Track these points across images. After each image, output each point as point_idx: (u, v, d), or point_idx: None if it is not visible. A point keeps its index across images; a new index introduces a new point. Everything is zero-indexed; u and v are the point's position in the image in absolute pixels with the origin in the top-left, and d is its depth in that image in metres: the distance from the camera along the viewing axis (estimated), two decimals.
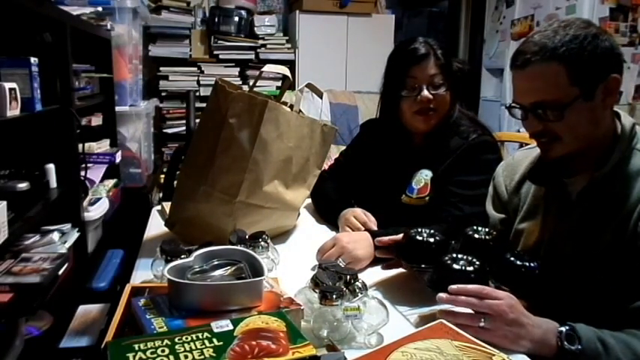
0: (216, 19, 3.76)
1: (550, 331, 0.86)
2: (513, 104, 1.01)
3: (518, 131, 3.20)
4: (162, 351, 0.68)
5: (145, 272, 1.08)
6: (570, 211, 1.02)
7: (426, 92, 1.38)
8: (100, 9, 2.19)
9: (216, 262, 0.94)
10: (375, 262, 1.22)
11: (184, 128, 3.39)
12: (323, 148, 1.38)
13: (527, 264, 0.96)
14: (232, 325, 0.75)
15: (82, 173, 1.81)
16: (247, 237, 1.13)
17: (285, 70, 1.37)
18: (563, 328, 0.86)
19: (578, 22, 0.95)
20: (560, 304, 0.95)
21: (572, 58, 0.91)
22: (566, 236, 1.01)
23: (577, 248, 0.98)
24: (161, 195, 3.04)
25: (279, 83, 3.72)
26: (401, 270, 1.22)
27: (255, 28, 3.82)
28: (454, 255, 0.99)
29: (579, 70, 0.91)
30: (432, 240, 1.07)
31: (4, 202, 1.17)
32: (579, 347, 0.84)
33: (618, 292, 0.92)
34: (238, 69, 3.83)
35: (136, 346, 0.69)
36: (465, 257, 0.98)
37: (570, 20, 0.97)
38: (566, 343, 0.84)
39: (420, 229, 1.10)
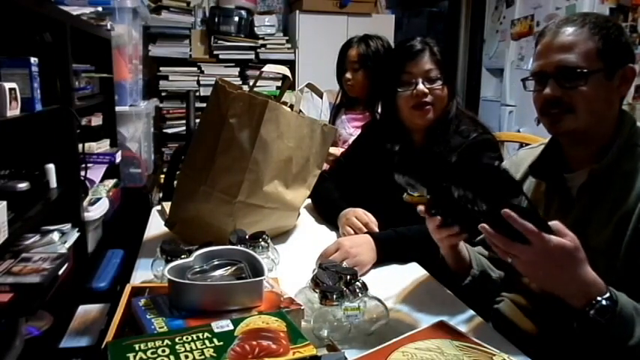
0: (216, 19, 3.77)
1: (592, 292, 0.84)
2: (531, 74, 1.03)
3: (519, 131, 3.21)
4: (163, 351, 0.68)
5: (145, 272, 1.08)
6: (571, 206, 1.02)
7: (421, 86, 1.39)
8: (100, 9, 2.19)
9: (216, 262, 0.94)
10: (376, 263, 1.22)
11: (184, 128, 3.39)
12: (323, 148, 1.38)
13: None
14: (233, 325, 0.75)
15: (82, 173, 1.81)
16: (247, 237, 1.13)
17: (285, 70, 1.37)
18: (603, 300, 0.83)
19: (604, 15, 1.04)
20: (562, 302, 0.95)
21: (602, 34, 0.96)
22: None
23: None
24: (161, 195, 3.04)
25: (279, 83, 3.73)
26: (400, 270, 1.22)
27: (255, 28, 3.82)
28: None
29: (606, 46, 0.96)
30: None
31: (4, 202, 1.17)
32: (608, 317, 0.82)
33: (619, 289, 0.92)
34: (238, 69, 3.84)
35: (137, 346, 0.68)
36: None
37: (597, 12, 1.06)
38: (592, 312, 0.83)
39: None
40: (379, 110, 2.13)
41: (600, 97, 0.97)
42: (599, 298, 0.83)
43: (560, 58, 0.97)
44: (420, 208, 1.00)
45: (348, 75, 2.24)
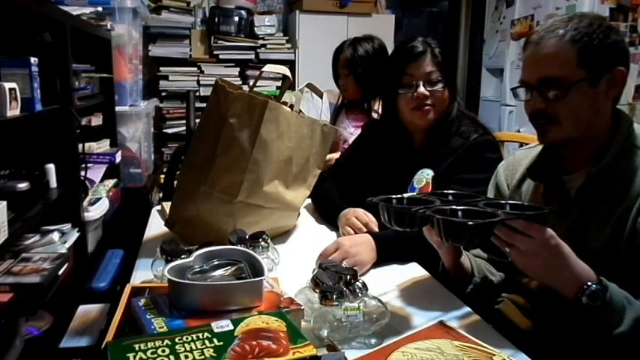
0: (216, 19, 3.77)
1: (583, 278, 0.87)
2: (519, 84, 1.03)
3: (519, 131, 3.21)
4: (163, 351, 0.68)
5: (145, 272, 1.08)
6: (570, 208, 1.02)
7: (422, 89, 1.39)
8: (100, 9, 2.19)
9: (216, 262, 0.94)
10: (376, 263, 1.22)
11: (184, 128, 3.39)
12: (323, 148, 1.38)
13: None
14: (232, 325, 0.75)
15: (82, 173, 1.81)
16: (247, 237, 1.13)
17: (285, 70, 1.37)
18: (593, 285, 0.86)
19: (593, 15, 1.00)
20: (560, 300, 0.96)
21: (583, 40, 0.95)
22: (566, 233, 1.01)
23: (576, 245, 0.98)
24: (161, 195, 3.04)
25: (279, 83, 3.73)
26: (400, 270, 1.22)
27: (255, 28, 3.82)
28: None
29: (588, 53, 0.94)
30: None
31: (4, 202, 1.17)
32: (599, 303, 0.85)
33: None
34: (238, 69, 3.84)
35: (137, 346, 0.68)
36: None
37: (587, 13, 1.02)
38: (584, 298, 0.85)
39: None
40: (377, 111, 2.15)
41: (585, 105, 0.96)
42: (589, 283, 0.86)
43: (541, 71, 0.97)
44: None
45: (341, 80, 2.25)
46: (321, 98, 1.64)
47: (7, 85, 1.26)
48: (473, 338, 0.83)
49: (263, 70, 1.34)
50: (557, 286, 0.89)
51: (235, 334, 0.73)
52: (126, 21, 2.46)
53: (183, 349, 0.68)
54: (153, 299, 0.85)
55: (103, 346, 0.72)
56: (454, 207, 0.94)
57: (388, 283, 1.13)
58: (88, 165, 1.91)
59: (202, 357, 0.67)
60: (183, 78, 3.75)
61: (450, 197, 1.06)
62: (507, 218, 0.86)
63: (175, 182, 2.10)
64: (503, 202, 0.99)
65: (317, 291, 0.89)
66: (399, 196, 1.05)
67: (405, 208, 0.96)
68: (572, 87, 0.95)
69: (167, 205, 1.46)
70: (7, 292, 1.26)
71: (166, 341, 0.70)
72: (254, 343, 0.70)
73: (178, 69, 3.74)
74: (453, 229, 0.87)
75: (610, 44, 0.96)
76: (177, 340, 0.71)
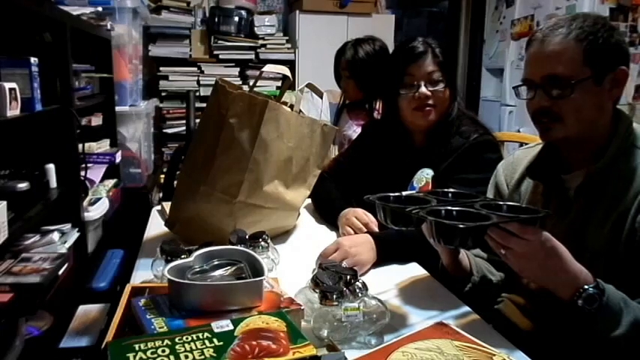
0: (216, 19, 3.77)
1: (580, 281, 0.87)
2: (521, 82, 1.03)
3: (519, 131, 3.21)
4: (163, 351, 0.68)
5: (145, 272, 1.07)
6: (569, 207, 1.02)
7: (423, 89, 1.39)
8: (100, 9, 2.19)
9: (216, 262, 0.94)
10: (376, 263, 1.22)
11: (184, 128, 3.39)
12: (323, 148, 1.38)
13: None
14: (232, 325, 0.75)
15: (82, 173, 1.81)
16: (247, 237, 1.13)
17: (285, 70, 1.37)
18: (590, 288, 0.86)
19: (596, 15, 1.01)
20: (560, 301, 0.96)
21: (589, 39, 0.95)
22: (565, 233, 1.01)
23: (575, 245, 0.98)
24: (161, 195, 3.04)
25: (279, 83, 3.73)
26: (400, 270, 1.22)
27: (255, 28, 3.82)
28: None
29: (593, 52, 0.95)
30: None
31: (4, 202, 1.17)
32: (596, 306, 0.85)
33: (618, 288, 0.92)
34: (238, 69, 3.83)
35: (137, 346, 0.68)
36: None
37: (590, 13, 1.03)
38: (580, 301, 0.85)
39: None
40: (378, 111, 2.15)
41: (589, 104, 0.97)
42: (586, 287, 0.86)
43: (547, 68, 0.97)
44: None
45: (342, 81, 2.26)
46: (321, 98, 1.64)
47: (7, 85, 1.26)
48: (473, 338, 0.83)
49: (263, 70, 1.34)
50: (553, 288, 0.89)
51: (235, 334, 0.73)
52: (126, 21, 2.47)
53: (183, 349, 0.68)
54: (153, 299, 0.85)
55: (103, 346, 0.72)
56: (449, 208, 0.94)
57: (388, 283, 1.13)
58: (88, 165, 1.91)
59: (202, 357, 0.67)
60: (183, 78, 3.75)
61: (449, 196, 1.06)
62: (500, 221, 0.86)
63: (175, 182, 2.10)
64: (501, 202, 0.99)
65: (317, 291, 0.89)
66: (397, 194, 1.05)
67: (400, 208, 0.96)
68: (577, 85, 0.95)
69: (167, 205, 1.46)
70: (7, 292, 1.26)
71: (166, 341, 0.70)
72: (254, 343, 0.70)
73: (178, 69, 3.73)
74: (444, 231, 0.87)
75: (614, 44, 0.96)
76: (177, 340, 0.71)
